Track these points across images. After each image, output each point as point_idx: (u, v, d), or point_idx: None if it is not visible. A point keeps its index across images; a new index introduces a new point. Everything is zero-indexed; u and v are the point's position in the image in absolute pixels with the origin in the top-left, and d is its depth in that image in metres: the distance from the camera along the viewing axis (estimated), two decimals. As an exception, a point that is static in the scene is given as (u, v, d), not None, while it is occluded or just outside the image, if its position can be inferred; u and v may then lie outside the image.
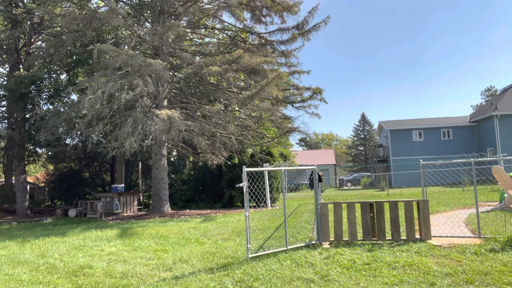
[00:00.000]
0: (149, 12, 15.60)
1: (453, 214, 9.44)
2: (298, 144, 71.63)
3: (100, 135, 16.16)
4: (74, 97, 16.17)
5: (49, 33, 17.17)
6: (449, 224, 7.60)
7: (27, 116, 16.81)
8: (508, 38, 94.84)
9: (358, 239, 6.46)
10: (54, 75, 15.96)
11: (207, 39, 18.03)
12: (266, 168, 6.99)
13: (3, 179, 19.73)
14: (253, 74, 14.49)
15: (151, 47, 14.35)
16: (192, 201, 17.86)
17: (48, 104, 17.03)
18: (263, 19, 15.40)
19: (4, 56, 17.78)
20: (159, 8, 14.36)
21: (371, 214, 6.47)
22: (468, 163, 9.02)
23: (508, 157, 6.68)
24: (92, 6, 15.77)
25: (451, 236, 6.57)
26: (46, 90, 16.23)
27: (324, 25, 14.81)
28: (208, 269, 5.19)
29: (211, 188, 17.72)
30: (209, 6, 15.45)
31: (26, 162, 18.25)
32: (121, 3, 15.15)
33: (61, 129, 14.16)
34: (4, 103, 17.00)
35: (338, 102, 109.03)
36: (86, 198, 18.84)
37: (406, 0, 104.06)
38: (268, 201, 14.65)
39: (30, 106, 17.15)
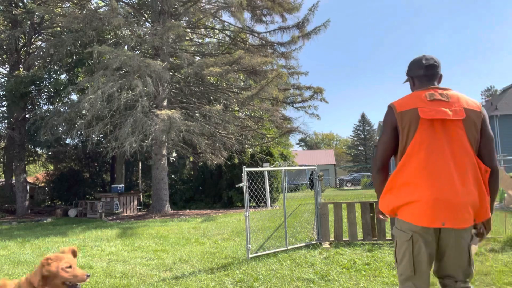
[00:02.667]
0: (149, 12, 15.60)
1: (453, 214, 9.43)
2: (298, 144, 71.67)
3: (100, 135, 16.16)
4: (74, 97, 16.18)
5: (49, 33, 17.17)
6: (449, 224, 7.59)
7: (27, 116, 16.81)
8: (508, 38, 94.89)
9: (358, 239, 6.46)
10: (54, 75, 15.95)
11: (207, 39, 18.04)
12: (266, 168, 6.99)
13: (3, 179, 19.73)
14: (253, 75, 14.50)
15: (151, 47, 14.36)
16: (192, 201, 17.86)
17: (48, 104, 17.03)
18: (264, 19, 15.43)
19: (4, 56, 17.77)
20: (159, 8, 14.36)
21: (371, 214, 6.47)
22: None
23: (508, 157, 6.68)
24: (92, 6, 15.78)
25: (451, 236, 6.56)
26: (46, 90, 16.23)
27: (324, 29, 14.87)
28: (208, 269, 5.19)
29: (211, 188, 17.71)
30: (209, 6, 15.46)
31: (26, 162, 18.23)
32: (121, 3, 15.16)
33: (61, 129, 14.16)
34: (4, 103, 17.01)
35: (338, 102, 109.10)
36: (86, 198, 18.83)
37: (407, 0, 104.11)
38: (268, 201, 14.65)
39: (30, 106, 17.14)
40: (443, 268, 2.25)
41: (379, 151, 2.32)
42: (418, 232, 2.13)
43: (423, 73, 2.34)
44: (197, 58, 15.67)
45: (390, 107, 2.28)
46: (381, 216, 2.52)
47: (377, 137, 48.87)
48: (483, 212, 2.15)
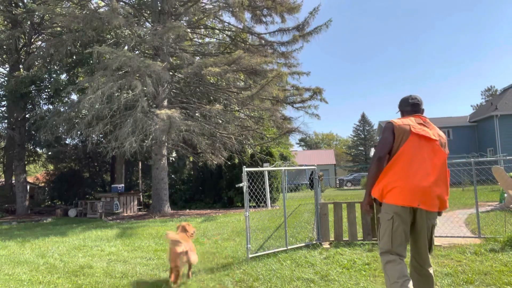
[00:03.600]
0: (149, 12, 15.59)
1: (453, 214, 9.44)
2: (298, 144, 71.66)
3: (100, 135, 16.16)
4: (74, 97, 16.17)
5: (49, 33, 17.17)
6: (449, 224, 7.60)
7: (27, 116, 16.80)
8: (508, 38, 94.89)
9: (358, 239, 6.46)
10: (54, 75, 15.97)
11: (207, 39, 18.03)
12: (266, 168, 6.98)
13: (3, 179, 19.73)
14: (253, 75, 14.48)
15: (151, 47, 14.35)
16: (192, 201, 17.86)
17: (48, 104, 17.04)
18: (264, 19, 15.40)
19: (4, 56, 17.77)
20: (159, 8, 14.35)
21: (371, 214, 6.46)
22: (468, 163, 9.02)
23: (508, 157, 6.68)
24: (92, 6, 15.77)
25: (451, 236, 6.56)
26: (46, 90, 16.23)
27: (326, 28, 14.78)
28: (208, 269, 5.19)
29: (211, 188, 17.71)
30: (209, 6, 15.45)
31: (26, 162, 18.23)
32: (122, 3, 15.16)
33: (61, 129, 14.16)
34: (4, 103, 17.01)
35: (338, 102, 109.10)
36: (86, 198, 18.84)
37: (406, 0, 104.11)
38: (268, 201, 14.64)
39: (30, 106, 17.14)
40: (417, 251, 3.02)
41: (382, 144, 3.05)
42: (398, 212, 2.88)
43: (410, 109, 3.27)
44: (197, 58, 15.66)
45: (391, 122, 3.11)
46: (367, 208, 3.19)
47: (377, 137, 48.94)
48: (445, 204, 2.96)
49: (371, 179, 3.04)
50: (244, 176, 5.73)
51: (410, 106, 3.25)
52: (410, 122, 3.06)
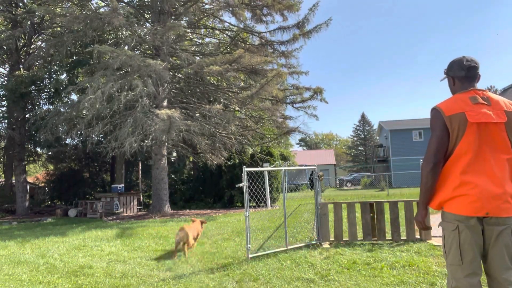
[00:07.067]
0: (149, 12, 15.59)
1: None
2: (298, 144, 71.70)
3: (100, 135, 16.15)
4: (74, 97, 16.18)
5: (49, 33, 17.17)
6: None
7: (27, 116, 16.81)
8: (508, 38, 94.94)
9: (358, 239, 6.46)
10: (54, 75, 15.96)
11: (207, 39, 18.03)
12: (266, 168, 6.98)
13: (3, 179, 19.73)
14: (253, 74, 14.48)
15: (152, 47, 14.34)
16: (192, 201, 17.86)
17: (48, 104, 17.04)
18: (264, 18, 15.38)
19: (4, 56, 17.77)
20: (159, 8, 14.36)
21: (371, 214, 6.47)
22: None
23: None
24: (92, 6, 15.77)
25: (451, 236, 6.55)
26: (46, 90, 16.23)
27: (326, 27, 14.73)
28: (208, 269, 5.19)
29: (211, 188, 17.71)
30: (209, 6, 15.45)
31: (26, 162, 18.23)
32: (122, 4, 15.16)
33: (61, 129, 14.16)
34: (4, 103, 17.01)
35: (338, 102, 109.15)
36: (86, 198, 18.83)
37: (406, 1, 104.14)
38: (268, 201, 14.64)
39: (30, 106, 17.14)
40: (488, 269, 2.38)
41: (434, 147, 2.42)
42: (463, 221, 2.32)
43: (465, 74, 2.50)
44: (197, 58, 15.66)
45: (438, 110, 2.44)
46: (424, 224, 2.58)
47: (377, 137, 48.72)
48: None
49: (427, 192, 2.46)
50: (244, 176, 5.73)
51: (466, 71, 2.49)
52: (464, 104, 2.39)
